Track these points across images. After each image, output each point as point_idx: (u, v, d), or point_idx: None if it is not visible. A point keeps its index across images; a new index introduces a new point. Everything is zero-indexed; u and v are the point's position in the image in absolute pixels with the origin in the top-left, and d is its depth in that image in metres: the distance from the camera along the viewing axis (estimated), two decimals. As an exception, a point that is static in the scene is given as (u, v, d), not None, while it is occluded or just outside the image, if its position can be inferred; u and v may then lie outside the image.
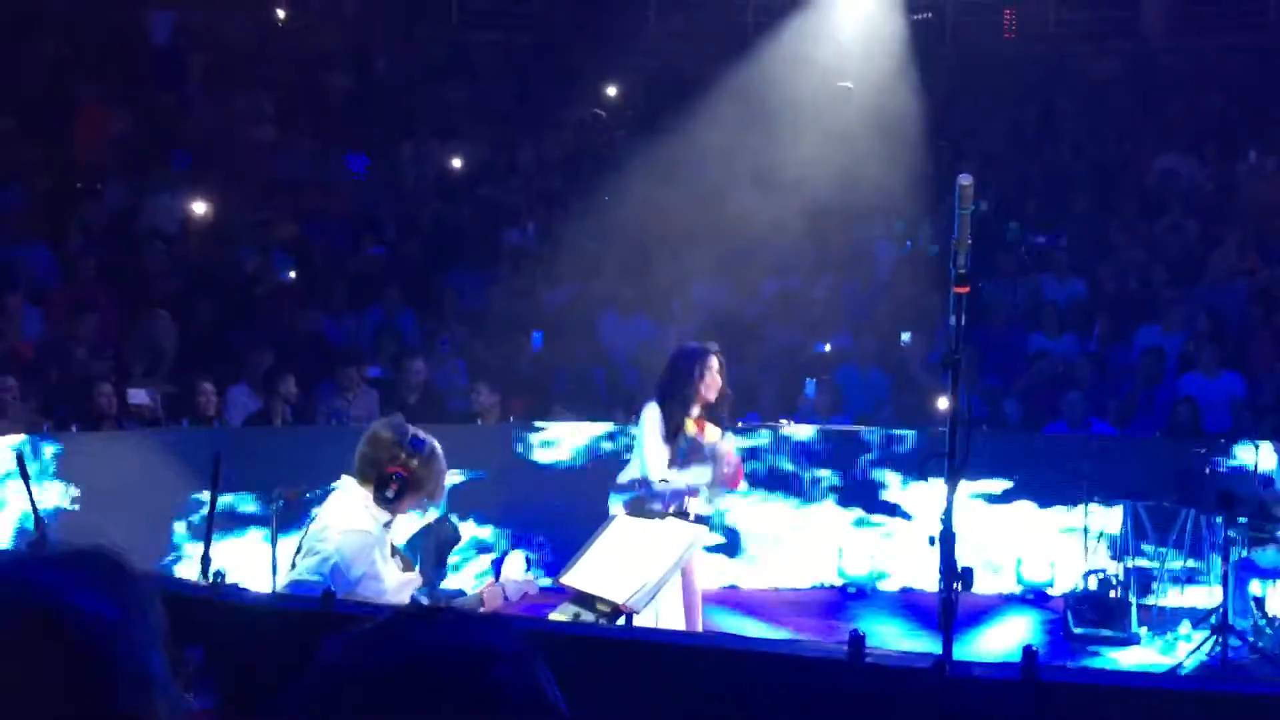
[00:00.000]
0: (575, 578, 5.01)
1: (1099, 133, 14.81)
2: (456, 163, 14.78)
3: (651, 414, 6.58)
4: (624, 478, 6.71)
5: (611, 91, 16.09)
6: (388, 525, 4.61)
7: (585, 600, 4.86)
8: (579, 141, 15.30)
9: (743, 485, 6.79)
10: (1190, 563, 8.65)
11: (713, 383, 6.57)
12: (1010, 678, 3.21)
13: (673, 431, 6.56)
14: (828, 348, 11.84)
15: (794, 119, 12.89)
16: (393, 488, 4.48)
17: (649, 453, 6.53)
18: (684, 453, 6.54)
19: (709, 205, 12.40)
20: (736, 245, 12.44)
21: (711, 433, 6.63)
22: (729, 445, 6.70)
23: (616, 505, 6.63)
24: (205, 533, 4.86)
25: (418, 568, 5.09)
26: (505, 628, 1.43)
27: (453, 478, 5.87)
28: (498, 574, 4.89)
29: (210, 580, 4.26)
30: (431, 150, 14.70)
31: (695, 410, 6.60)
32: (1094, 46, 15.72)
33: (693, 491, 6.57)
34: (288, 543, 5.67)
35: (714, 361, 6.60)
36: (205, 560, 4.73)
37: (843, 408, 10.96)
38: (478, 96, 15.85)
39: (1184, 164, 14.15)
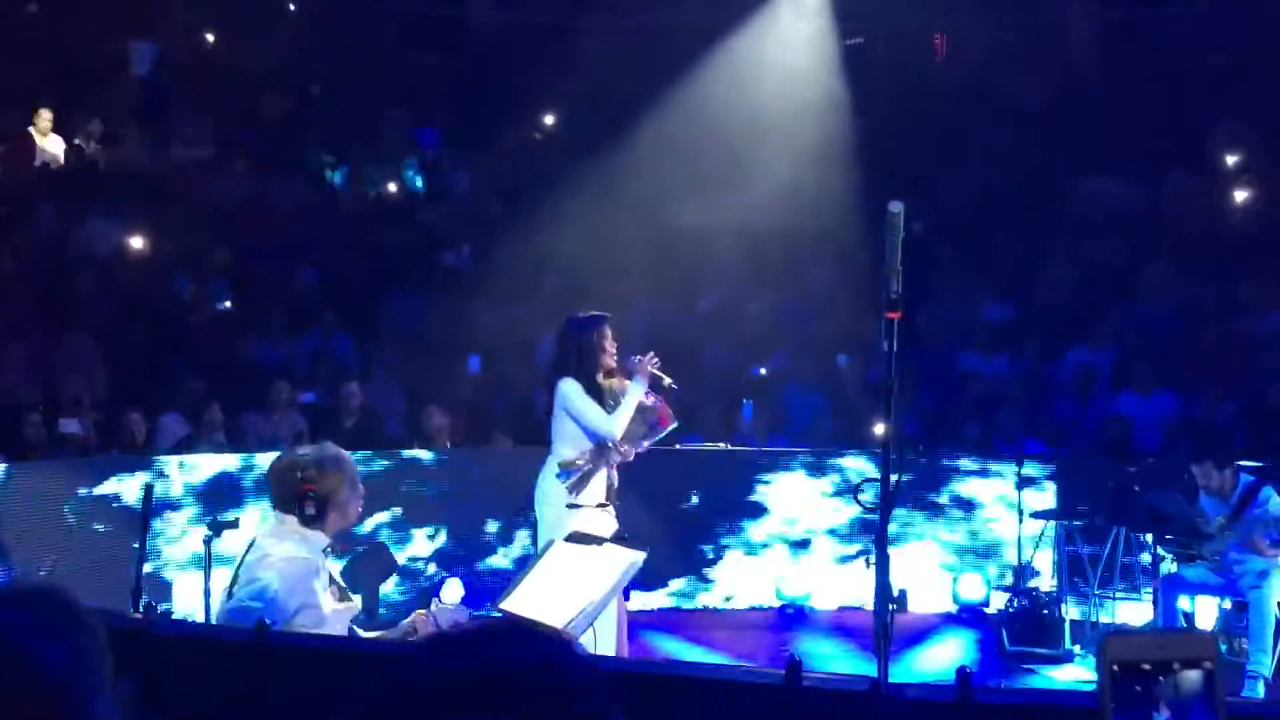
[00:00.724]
0: (513, 604, 5.01)
1: (1028, 154, 15.00)
2: (393, 186, 14.74)
3: (573, 386, 6.64)
4: (565, 456, 6.69)
5: (548, 113, 16.11)
6: (326, 551, 4.61)
7: (523, 626, 4.85)
8: (516, 164, 15.30)
9: (673, 423, 6.84)
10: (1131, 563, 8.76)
11: (610, 349, 6.70)
12: (944, 699, 3.24)
13: (593, 396, 6.67)
14: (764, 370, 11.90)
15: (731, 142, 12.97)
16: (309, 505, 4.49)
17: (592, 413, 6.60)
18: (610, 409, 6.66)
19: (647, 226, 12.43)
20: (675, 266, 12.48)
21: (616, 381, 6.75)
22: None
23: (559, 489, 6.62)
24: (136, 563, 4.81)
25: (357, 597, 5.06)
26: (587, 659, 1.44)
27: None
28: (432, 599, 4.87)
29: (142, 611, 4.22)
30: (369, 173, 14.67)
31: (600, 377, 6.71)
32: (1021, 69, 15.94)
33: (652, 427, 6.70)
34: (221, 572, 5.63)
35: (607, 328, 6.72)
36: (136, 591, 4.68)
37: (783, 428, 11.01)
38: (414, 119, 15.82)
39: (1112, 185, 14.37)
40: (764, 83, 13.82)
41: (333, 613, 4.57)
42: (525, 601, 5.00)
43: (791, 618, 9.61)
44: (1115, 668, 1.54)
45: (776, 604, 9.72)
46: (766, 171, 12.27)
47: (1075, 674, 8.19)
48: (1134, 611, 8.69)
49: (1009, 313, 12.42)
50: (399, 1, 16.67)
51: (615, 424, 6.60)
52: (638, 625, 8.86)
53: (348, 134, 15.20)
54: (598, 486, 6.68)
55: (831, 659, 8.43)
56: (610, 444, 6.62)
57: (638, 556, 5.35)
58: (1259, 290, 12.03)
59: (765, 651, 8.70)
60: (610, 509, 6.73)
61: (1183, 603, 8.16)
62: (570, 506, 6.60)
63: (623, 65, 15.45)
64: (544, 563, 5.18)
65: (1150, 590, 8.24)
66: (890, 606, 3.96)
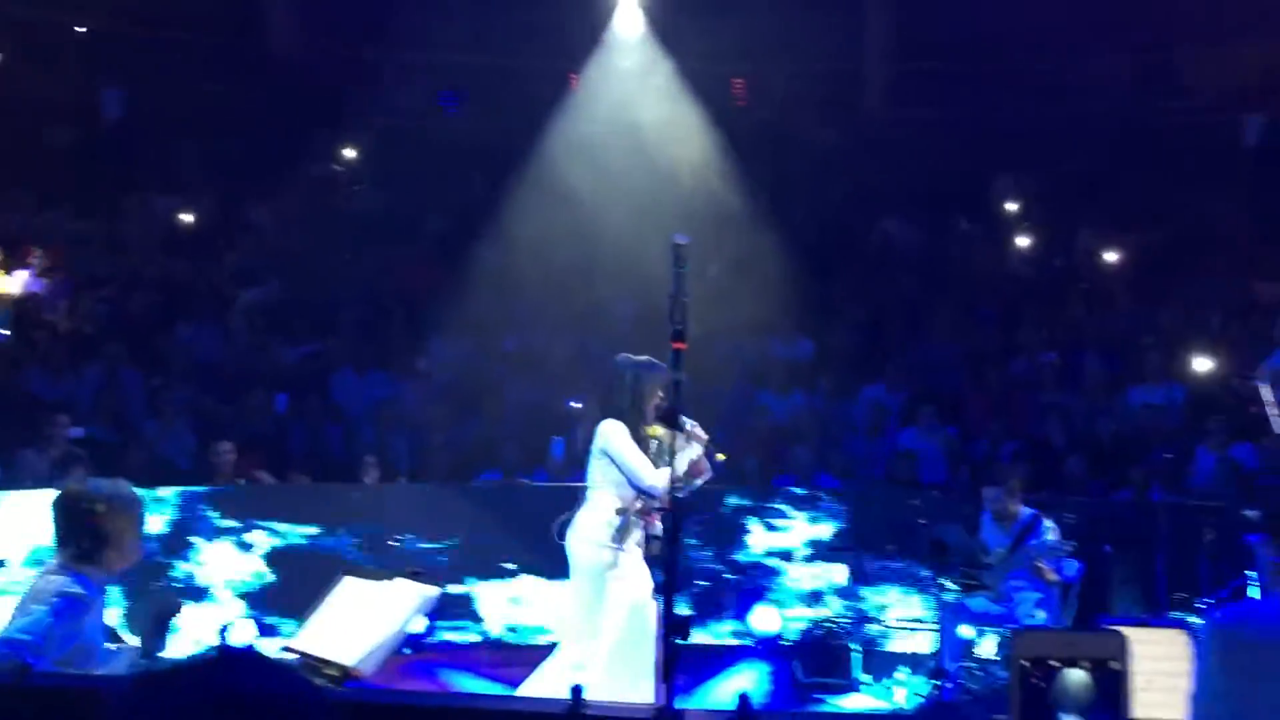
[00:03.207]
0: (303, 642, 4.92)
1: (824, 198, 15.41)
2: (186, 218, 14.37)
3: (618, 428, 6.47)
4: (612, 500, 6.49)
5: (348, 147, 15.93)
6: (104, 590, 4.49)
7: (314, 664, 4.77)
8: (315, 197, 15.07)
9: (708, 472, 6.63)
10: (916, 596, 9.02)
11: (660, 400, 6.52)
12: (725, 724, 3.32)
13: (638, 442, 6.49)
14: (577, 404, 11.91)
15: (534, 177, 13.02)
16: (87, 539, 4.38)
17: (637, 461, 6.41)
18: (652, 456, 6.47)
19: (448, 262, 12.38)
20: (476, 302, 12.44)
21: (664, 431, 6.56)
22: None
23: (605, 533, 6.43)
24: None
25: (137, 638, 4.93)
26: (308, 680, 1.45)
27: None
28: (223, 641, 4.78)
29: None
30: (158, 205, 14.27)
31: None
32: (818, 116, 16.41)
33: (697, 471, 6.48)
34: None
35: (663, 378, 6.53)
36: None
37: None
38: (207, 150, 15.44)
39: (902, 230, 14.90)
40: (566, 118, 13.92)
41: (110, 652, 4.46)
42: (315, 639, 4.92)
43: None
44: (1024, 662, 1.59)
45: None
46: (569, 208, 12.34)
47: (861, 701, 8.40)
48: (920, 642, 8.97)
49: (804, 351, 12.72)
50: (198, 30, 16.26)
51: (661, 477, 6.29)
52: (437, 662, 8.79)
53: (141, 164, 14.75)
54: (636, 532, 6.51)
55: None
56: (650, 494, 6.38)
57: (431, 592, 5.32)
58: (1034, 333, 12.63)
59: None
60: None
61: (964, 631, 8.46)
62: (613, 549, 6.43)
63: (424, 99, 15.42)
64: (332, 599, 5.11)
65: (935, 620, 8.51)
66: (675, 636, 4.02)
